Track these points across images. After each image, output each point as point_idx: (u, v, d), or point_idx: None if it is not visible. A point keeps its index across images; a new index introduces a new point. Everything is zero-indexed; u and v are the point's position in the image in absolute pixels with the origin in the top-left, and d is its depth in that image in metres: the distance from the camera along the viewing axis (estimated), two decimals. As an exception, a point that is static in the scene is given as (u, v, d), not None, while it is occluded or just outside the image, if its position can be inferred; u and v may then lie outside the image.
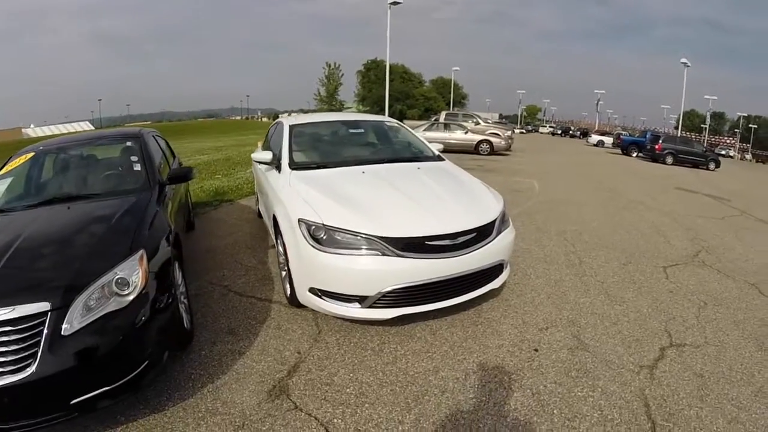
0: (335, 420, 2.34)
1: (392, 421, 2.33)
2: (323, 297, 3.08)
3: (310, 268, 3.07)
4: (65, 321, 2.19)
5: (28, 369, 2.08)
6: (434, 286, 3.02)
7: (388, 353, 2.97)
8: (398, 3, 20.34)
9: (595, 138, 34.80)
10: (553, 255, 4.87)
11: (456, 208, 3.34)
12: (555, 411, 2.41)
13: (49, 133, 73.90)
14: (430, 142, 5.06)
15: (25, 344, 2.11)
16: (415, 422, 2.33)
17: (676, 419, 2.35)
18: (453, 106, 51.66)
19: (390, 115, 45.63)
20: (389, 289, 2.92)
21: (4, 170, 3.98)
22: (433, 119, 23.97)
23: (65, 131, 76.68)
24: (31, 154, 4.23)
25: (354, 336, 3.19)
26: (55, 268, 2.46)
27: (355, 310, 3.02)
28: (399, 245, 2.92)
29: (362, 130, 5.07)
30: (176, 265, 3.10)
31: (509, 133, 20.04)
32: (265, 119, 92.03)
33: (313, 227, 3.06)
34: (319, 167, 4.05)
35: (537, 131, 60.47)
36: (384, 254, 2.92)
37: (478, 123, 21.30)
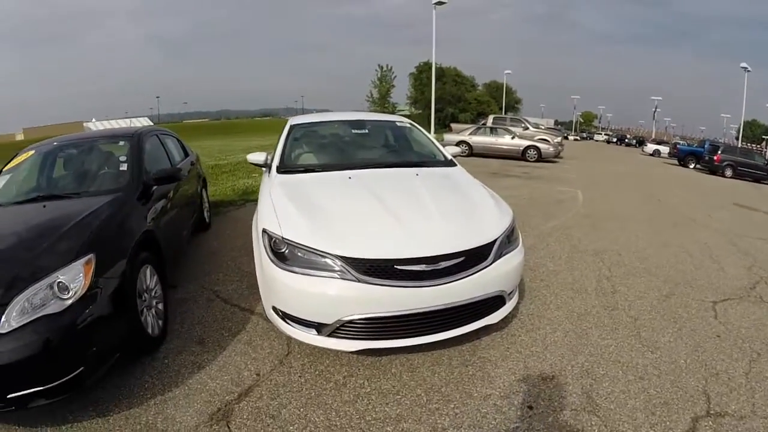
0: None
1: None
2: (284, 318, 2.65)
3: (270, 284, 2.64)
4: (2, 319, 2.18)
5: None
6: (407, 319, 2.45)
7: (351, 390, 2.48)
8: (443, 3, 19.60)
9: (651, 147, 32.32)
10: (584, 280, 4.13)
11: (442, 225, 2.71)
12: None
13: (108, 127, 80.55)
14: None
15: None
16: None
17: None
18: (505, 111, 49.82)
19: (441, 119, 44.92)
20: (349, 318, 2.40)
21: (9, 166, 4.03)
22: (480, 123, 23.02)
23: (124, 125, 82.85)
24: (31, 152, 4.22)
25: (322, 363, 2.74)
26: (4, 267, 2.40)
27: (313, 338, 2.55)
28: (361, 268, 2.39)
29: (367, 131, 4.53)
30: (148, 268, 3.02)
31: (559, 139, 18.80)
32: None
33: (275, 240, 2.62)
34: (306, 171, 3.64)
35: (592, 139, 57.51)
36: (343, 278, 2.39)
37: (526, 128, 20.08)
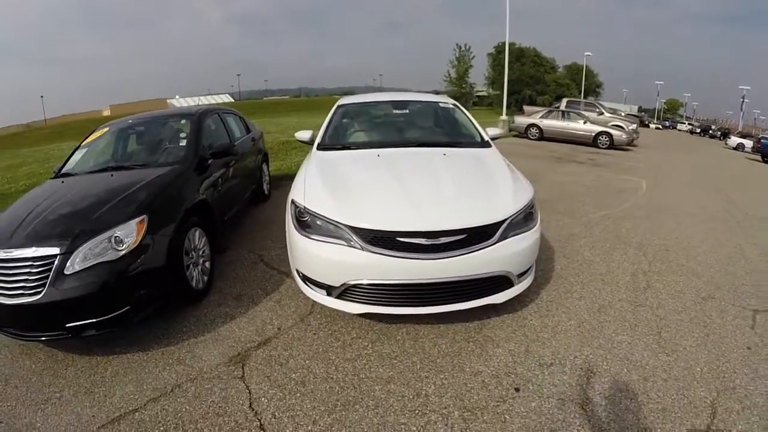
0: (262, 399, 2.32)
1: (306, 417, 2.18)
2: (304, 280, 2.91)
3: (293, 249, 2.91)
4: (69, 263, 2.63)
5: (38, 294, 2.60)
6: (409, 289, 2.57)
7: (355, 350, 2.67)
8: None
9: (734, 140, 28.49)
10: (618, 273, 3.91)
11: (450, 202, 2.78)
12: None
13: (192, 103, 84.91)
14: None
15: (39, 276, 2.62)
16: (326, 427, 2.10)
17: None
18: (585, 95, 46.47)
19: (518, 101, 42.94)
20: (353, 283, 2.58)
21: (87, 140, 4.60)
22: (553, 106, 21.80)
23: (206, 102, 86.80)
24: (106, 129, 4.77)
25: (336, 324, 2.98)
26: (74, 223, 2.87)
27: (323, 298, 2.78)
28: (367, 237, 2.54)
29: (407, 111, 4.57)
30: (197, 231, 3.43)
31: (634, 126, 17.30)
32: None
33: (299, 209, 2.86)
34: (343, 148, 3.79)
35: (675, 128, 52.22)
36: (350, 246, 2.56)
37: (601, 113, 18.66)
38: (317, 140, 3.96)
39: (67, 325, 2.67)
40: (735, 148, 27.06)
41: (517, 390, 2.33)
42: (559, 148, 13.88)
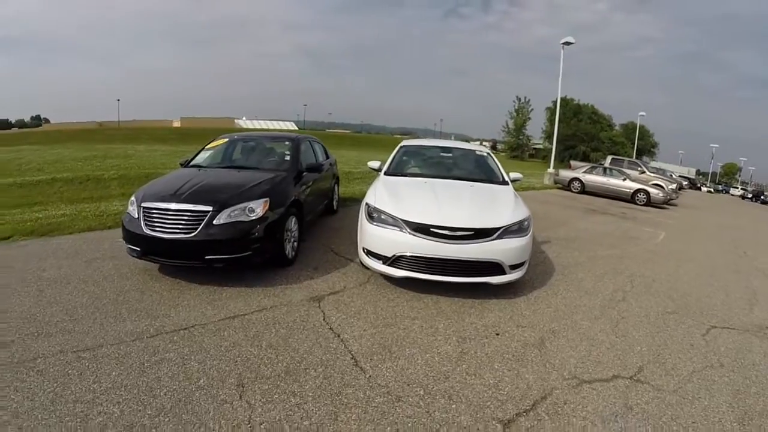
0: (331, 317, 3.53)
1: (359, 329, 3.37)
2: (367, 254, 4.18)
3: (363, 234, 4.23)
4: (217, 218, 3.91)
5: (192, 233, 3.85)
6: (433, 262, 3.79)
7: (395, 303, 3.88)
8: (570, 43, 19.30)
9: None
10: (601, 289, 4.79)
11: (466, 213, 4.02)
12: (459, 371, 2.94)
13: (257, 126, 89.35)
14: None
15: (195, 222, 3.88)
16: (372, 335, 3.28)
17: None
18: (639, 154, 45.83)
19: (572, 157, 42.86)
20: (400, 254, 3.86)
21: (210, 145, 6.18)
22: (598, 162, 22.23)
23: (271, 126, 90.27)
24: (226, 139, 6.36)
25: (384, 290, 4.19)
26: (222, 194, 4.17)
27: (379, 266, 4.04)
28: (412, 227, 3.86)
29: (451, 155, 6.00)
30: (293, 218, 4.72)
31: (673, 186, 17.49)
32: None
33: (370, 208, 4.22)
34: (402, 176, 5.20)
35: (727, 192, 49.41)
36: (401, 231, 3.88)
37: (643, 172, 19.07)
38: (384, 168, 5.43)
39: (206, 257, 3.88)
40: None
41: (497, 335, 3.42)
42: (596, 201, 14.48)
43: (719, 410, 2.73)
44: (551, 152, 22.03)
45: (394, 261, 3.90)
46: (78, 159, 17.33)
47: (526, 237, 4.05)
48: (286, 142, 6.22)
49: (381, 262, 4.00)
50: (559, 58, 19.74)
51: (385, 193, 4.43)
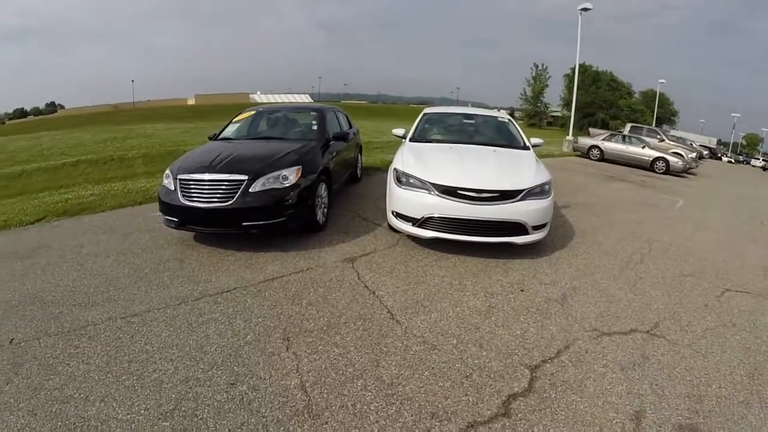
0: (365, 276, 3.78)
1: (392, 287, 3.62)
2: (396, 217, 4.38)
3: (393, 198, 4.41)
4: (252, 186, 4.04)
5: (229, 201, 3.99)
6: (459, 223, 3.99)
7: (424, 263, 4.11)
8: (588, 9, 18.58)
9: None
10: (619, 251, 4.94)
11: (491, 175, 4.19)
12: (492, 318, 3.18)
13: (272, 100, 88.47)
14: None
15: (232, 191, 4.01)
16: (404, 292, 3.53)
17: None
18: (659, 122, 44.63)
19: (591, 123, 41.97)
20: (428, 215, 4.06)
21: (237, 119, 6.28)
22: (617, 130, 21.84)
23: (286, 100, 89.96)
24: (253, 112, 6.51)
25: (413, 251, 4.42)
26: (256, 163, 4.30)
27: (409, 227, 4.25)
28: (440, 189, 4.04)
29: (473, 121, 6.08)
30: (322, 185, 4.84)
31: (693, 155, 17.19)
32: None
33: (398, 173, 4.38)
34: (426, 142, 5.33)
35: (748, 163, 48.07)
36: (430, 193, 4.06)
37: (662, 140, 18.72)
38: (409, 135, 5.55)
39: (243, 223, 4.02)
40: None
41: (522, 291, 3.64)
42: (615, 169, 14.38)
43: (730, 365, 2.89)
44: (569, 120, 21.66)
45: (423, 222, 4.09)
46: (98, 141, 17.68)
47: (548, 199, 4.20)
48: (312, 113, 6.33)
49: (410, 224, 4.19)
50: (576, 25, 19.13)
51: (412, 158, 4.58)
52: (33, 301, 3.40)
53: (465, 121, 6.15)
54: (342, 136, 6.09)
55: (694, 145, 23.42)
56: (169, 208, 4.23)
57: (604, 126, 41.76)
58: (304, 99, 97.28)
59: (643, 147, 15.51)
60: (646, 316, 3.44)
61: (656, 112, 46.41)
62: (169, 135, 19.02)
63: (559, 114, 56.54)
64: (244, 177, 4.06)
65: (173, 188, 4.23)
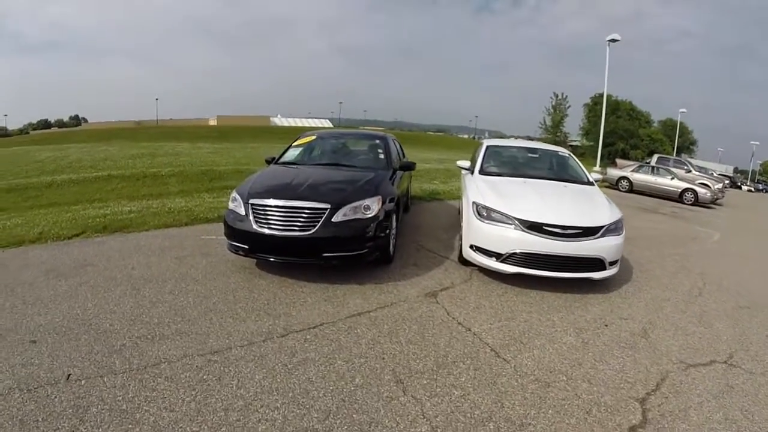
0: (454, 312, 3.88)
1: (485, 323, 3.73)
2: (476, 251, 4.63)
3: (473, 231, 4.66)
4: (335, 215, 3.98)
5: (309, 231, 3.91)
6: (544, 259, 4.27)
7: (505, 298, 4.33)
8: (616, 41, 19.16)
9: None
10: (678, 285, 5.25)
11: (572, 212, 4.53)
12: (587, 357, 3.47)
13: (293, 124, 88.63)
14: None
15: (313, 220, 3.94)
16: (499, 328, 3.69)
17: None
18: (679, 152, 44.75)
19: (611, 153, 41.98)
20: (514, 251, 4.32)
21: (297, 143, 6.20)
22: (644, 161, 22.14)
23: (307, 125, 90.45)
24: (314, 136, 6.35)
25: (490, 285, 4.60)
26: (335, 192, 4.28)
27: (492, 262, 4.48)
28: (526, 224, 4.32)
29: (538, 156, 6.50)
30: (394, 215, 4.77)
31: (719, 186, 17.48)
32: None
33: (479, 206, 4.65)
34: (498, 175, 5.70)
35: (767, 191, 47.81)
36: (515, 229, 4.34)
37: (689, 171, 19.07)
38: (477, 168, 5.89)
39: (324, 254, 3.90)
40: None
41: (606, 326, 3.94)
42: (645, 200, 14.84)
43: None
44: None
45: (507, 257, 4.34)
46: (127, 156, 17.74)
47: (622, 235, 4.57)
48: (376, 141, 6.41)
49: (494, 258, 4.42)
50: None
51: (490, 191, 4.86)
52: (86, 329, 3.17)
53: (529, 155, 6.53)
54: (407, 166, 6.01)
55: (714, 175, 23.57)
56: (237, 234, 4.09)
57: (624, 156, 42.04)
58: (325, 124, 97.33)
59: (672, 178, 15.88)
60: (719, 347, 3.76)
61: (676, 142, 46.57)
62: (198, 154, 19.06)
63: (578, 143, 56.95)
64: (326, 205, 3.97)
65: (243, 213, 4.09)
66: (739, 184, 41.28)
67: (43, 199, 10.08)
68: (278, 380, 2.65)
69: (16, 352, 2.88)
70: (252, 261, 4.54)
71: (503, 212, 4.42)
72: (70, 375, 2.57)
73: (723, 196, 17.35)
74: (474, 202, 4.71)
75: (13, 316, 3.40)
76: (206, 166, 14.42)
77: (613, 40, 19.15)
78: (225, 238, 4.34)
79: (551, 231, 4.23)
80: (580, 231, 4.26)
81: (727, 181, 29.35)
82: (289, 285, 4.11)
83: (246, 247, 4.06)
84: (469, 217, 4.71)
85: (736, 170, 51.20)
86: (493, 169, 5.89)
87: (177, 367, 2.70)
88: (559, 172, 6.04)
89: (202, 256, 4.83)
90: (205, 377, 2.63)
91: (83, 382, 2.53)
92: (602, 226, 4.35)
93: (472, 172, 5.88)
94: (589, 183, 5.71)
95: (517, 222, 4.32)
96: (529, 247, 4.23)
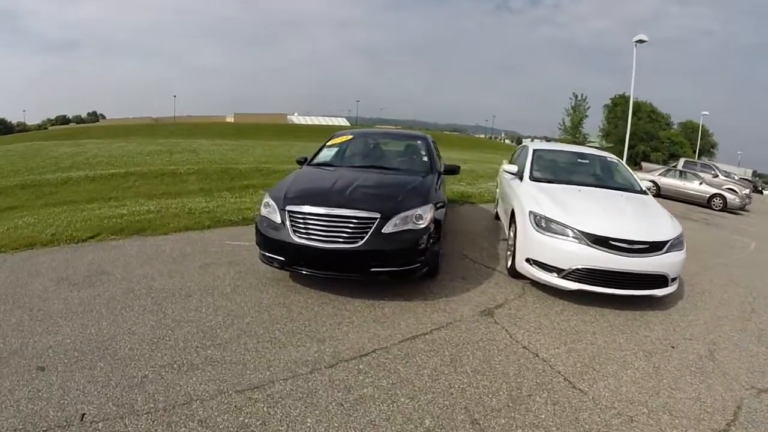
0: (516, 334, 3.67)
1: (550, 346, 3.54)
2: (534, 265, 4.39)
3: (530, 243, 4.42)
4: (385, 226, 3.64)
5: (357, 243, 3.57)
6: (608, 275, 4.09)
7: (564, 315, 4.18)
8: (644, 41, 18.82)
9: None
10: (730, 301, 5.14)
11: (637, 225, 4.40)
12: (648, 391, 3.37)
13: (309, 123, 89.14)
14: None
15: (361, 231, 3.59)
16: (567, 353, 3.48)
17: None
18: (699, 155, 44.12)
19: (632, 155, 41.37)
20: (578, 267, 4.11)
21: (331, 142, 5.80)
22: (671, 165, 21.86)
23: (323, 123, 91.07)
24: (350, 136, 6.04)
25: (545, 301, 4.42)
26: (383, 199, 3.92)
27: (552, 278, 4.25)
28: (591, 238, 4.14)
29: (588, 162, 6.38)
30: (441, 221, 4.39)
31: (747, 191, 17.24)
32: (507, 141, 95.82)
33: (538, 217, 4.44)
34: (550, 182, 5.51)
35: None
36: (579, 242, 4.16)
37: (716, 176, 18.82)
38: (526, 174, 5.70)
39: (372, 269, 3.54)
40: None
41: (673, 347, 3.86)
42: (674, 206, 14.58)
43: None
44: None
45: (569, 273, 4.10)
46: (144, 153, 17.49)
47: (684, 250, 4.45)
48: (418, 141, 6.06)
49: (554, 274, 4.19)
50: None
51: (549, 200, 4.64)
52: (102, 354, 2.78)
53: (579, 160, 6.40)
54: (452, 170, 5.55)
55: (736, 179, 23.17)
56: (272, 244, 3.76)
57: (645, 158, 41.51)
58: (341, 122, 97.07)
59: (700, 183, 15.68)
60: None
61: (698, 145, 45.84)
62: (216, 151, 18.83)
63: (597, 145, 56.48)
64: (376, 215, 3.62)
65: (279, 221, 3.76)
66: (760, 188, 40.67)
67: (57, 196, 9.79)
68: (335, 424, 2.29)
69: (21, 382, 2.52)
70: (285, 272, 4.18)
71: (566, 224, 4.23)
72: (84, 415, 2.19)
73: (750, 202, 17.08)
74: (531, 212, 4.49)
75: (20, 334, 3.06)
76: (226, 164, 14.15)
77: (641, 41, 18.83)
78: (256, 246, 4.01)
79: (618, 246, 4.06)
80: (647, 246, 4.12)
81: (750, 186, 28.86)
82: (329, 301, 3.79)
83: (282, 259, 3.74)
84: (525, 228, 4.49)
85: (755, 173, 50.40)
86: (544, 176, 5.66)
87: (211, 408, 2.30)
88: (611, 179, 5.89)
89: (229, 266, 4.49)
90: (246, 421, 2.24)
91: (100, 425, 2.14)
92: (667, 241, 4.24)
93: (521, 178, 5.70)
94: (642, 192, 5.58)
95: (581, 235, 4.13)
96: (594, 262, 4.03)
